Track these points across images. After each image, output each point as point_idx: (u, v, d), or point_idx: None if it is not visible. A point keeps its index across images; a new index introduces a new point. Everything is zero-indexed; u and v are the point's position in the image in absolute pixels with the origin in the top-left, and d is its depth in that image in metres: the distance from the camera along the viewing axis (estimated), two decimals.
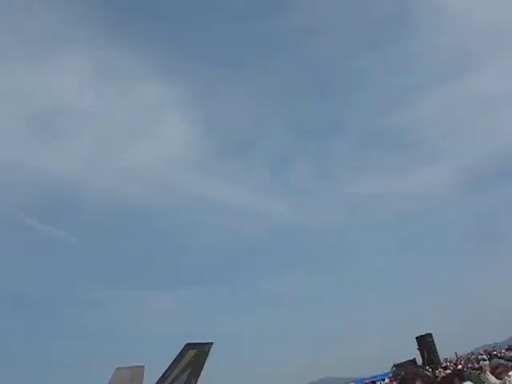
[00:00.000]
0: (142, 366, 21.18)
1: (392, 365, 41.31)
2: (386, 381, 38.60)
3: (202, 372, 19.73)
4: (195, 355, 19.00)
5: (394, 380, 34.75)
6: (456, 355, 41.64)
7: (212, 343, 19.74)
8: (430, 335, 38.32)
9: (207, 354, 19.64)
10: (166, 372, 18.49)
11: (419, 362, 37.71)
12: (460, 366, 34.11)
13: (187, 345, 18.90)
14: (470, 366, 32.37)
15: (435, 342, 38.17)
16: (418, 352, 38.07)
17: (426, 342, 37.74)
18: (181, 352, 18.78)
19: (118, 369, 20.48)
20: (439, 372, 30.81)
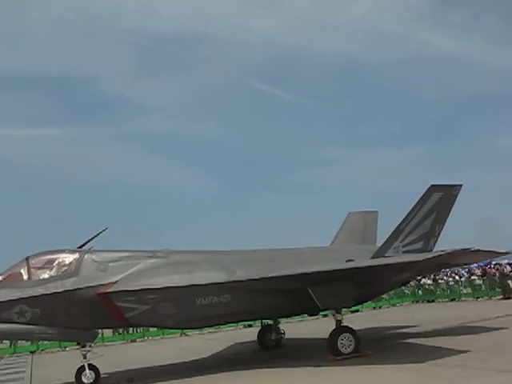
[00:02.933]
0: (376, 211, 19.52)
1: None
2: None
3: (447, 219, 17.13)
4: (441, 198, 16.36)
5: None
6: None
7: (461, 185, 16.77)
8: None
9: (455, 198, 16.86)
10: (407, 217, 16.29)
11: None
12: None
13: (432, 186, 16.27)
14: None
15: None
16: None
17: None
18: (425, 194, 16.27)
19: (350, 213, 19.14)
20: None
